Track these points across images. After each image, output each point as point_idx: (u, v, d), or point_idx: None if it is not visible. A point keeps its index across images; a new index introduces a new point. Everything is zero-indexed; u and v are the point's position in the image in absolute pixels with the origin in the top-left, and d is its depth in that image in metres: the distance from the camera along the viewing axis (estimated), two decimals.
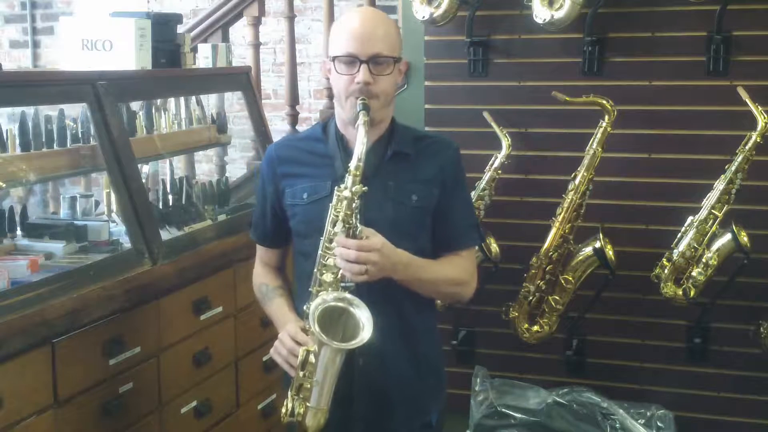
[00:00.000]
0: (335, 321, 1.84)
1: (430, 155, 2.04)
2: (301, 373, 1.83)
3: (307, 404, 1.84)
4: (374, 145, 1.95)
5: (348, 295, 1.84)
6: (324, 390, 1.84)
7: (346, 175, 1.86)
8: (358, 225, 1.84)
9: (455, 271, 2.05)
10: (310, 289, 1.90)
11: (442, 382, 2.18)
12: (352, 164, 1.85)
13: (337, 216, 1.85)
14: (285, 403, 1.90)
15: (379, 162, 1.98)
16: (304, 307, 1.90)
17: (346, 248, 1.81)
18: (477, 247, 2.49)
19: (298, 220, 2.04)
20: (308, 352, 1.82)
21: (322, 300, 1.83)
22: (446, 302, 2.76)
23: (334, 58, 1.94)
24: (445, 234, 2.05)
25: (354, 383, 1.97)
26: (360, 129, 1.86)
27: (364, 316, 1.80)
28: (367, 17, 1.96)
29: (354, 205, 1.84)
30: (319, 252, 1.88)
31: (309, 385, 1.83)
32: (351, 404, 1.99)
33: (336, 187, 1.88)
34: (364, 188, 1.85)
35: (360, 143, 1.85)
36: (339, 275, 1.85)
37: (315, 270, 1.89)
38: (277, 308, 2.08)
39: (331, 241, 1.86)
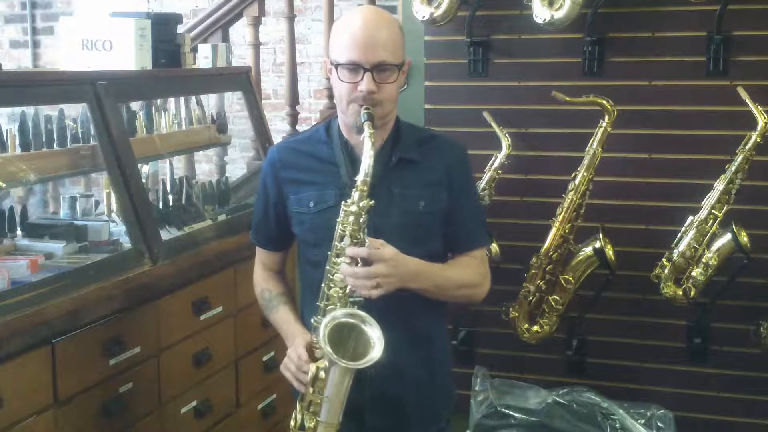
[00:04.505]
0: (346, 336, 1.80)
1: (436, 157, 1.99)
2: (311, 390, 1.80)
3: (318, 419, 1.82)
4: (379, 150, 1.89)
5: (360, 312, 1.79)
6: (334, 406, 1.80)
7: (353, 189, 1.81)
8: (366, 239, 1.80)
9: (467, 274, 2.00)
10: (318, 303, 1.86)
11: (452, 386, 2.15)
12: (359, 178, 1.80)
13: (344, 231, 1.81)
14: (294, 415, 1.88)
15: (383, 169, 1.92)
16: (312, 321, 1.86)
17: (353, 265, 1.77)
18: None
19: (306, 229, 1.99)
20: (318, 368, 1.79)
21: (332, 317, 1.78)
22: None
23: (336, 65, 1.88)
24: (455, 235, 2.01)
25: (366, 394, 1.92)
26: (366, 141, 1.80)
27: (375, 335, 1.76)
28: (370, 20, 1.87)
29: (361, 219, 1.80)
30: (327, 267, 1.85)
31: (319, 401, 1.80)
32: (363, 416, 1.95)
33: (343, 202, 1.83)
34: (371, 202, 1.80)
35: (367, 156, 1.80)
36: (347, 290, 1.81)
37: (323, 285, 1.86)
38: (283, 318, 2.04)
39: (338, 255, 1.82)
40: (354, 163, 1.92)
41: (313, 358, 1.83)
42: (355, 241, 1.80)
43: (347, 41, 1.86)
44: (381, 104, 1.87)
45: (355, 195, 1.80)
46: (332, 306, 1.83)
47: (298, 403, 1.88)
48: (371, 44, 1.84)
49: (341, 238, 1.82)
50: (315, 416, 1.82)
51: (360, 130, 1.85)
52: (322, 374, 1.78)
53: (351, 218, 1.80)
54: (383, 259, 1.78)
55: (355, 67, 1.85)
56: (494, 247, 2.95)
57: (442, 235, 2.00)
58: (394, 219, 1.92)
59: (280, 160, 2.04)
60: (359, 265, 1.78)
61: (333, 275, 1.83)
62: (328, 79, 1.99)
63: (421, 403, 2.01)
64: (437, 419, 2.09)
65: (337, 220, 1.83)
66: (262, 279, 2.15)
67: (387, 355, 1.75)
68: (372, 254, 1.77)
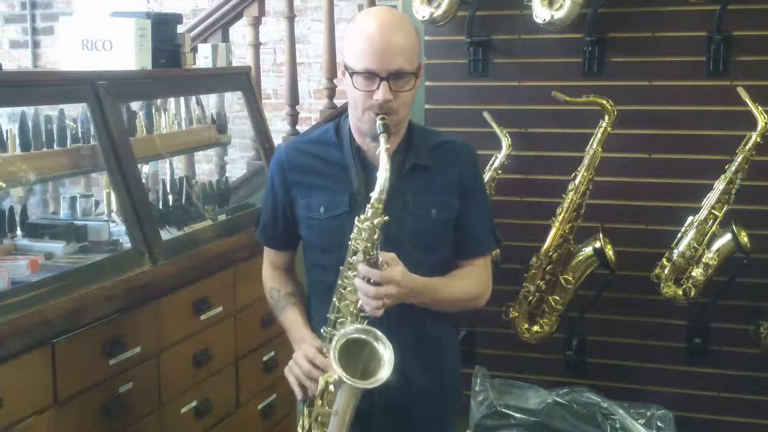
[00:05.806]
0: (356, 352, 1.77)
1: (448, 163, 1.96)
2: (319, 402, 1.79)
3: (326, 430, 1.80)
4: (392, 156, 1.83)
5: (372, 329, 1.77)
6: (343, 420, 1.77)
7: (367, 206, 1.78)
8: (379, 256, 1.77)
9: (470, 285, 2.00)
10: (328, 315, 1.85)
11: (460, 391, 2.15)
12: (374, 195, 1.76)
13: (357, 247, 1.78)
14: (300, 422, 1.87)
15: (396, 176, 1.87)
16: (322, 331, 1.85)
17: (366, 282, 1.76)
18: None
19: (315, 234, 1.97)
20: (327, 382, 1.77)
21: (342, 334, 1.76)
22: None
23: (351, 72, 1.82)
24: (463, 240, 1.99)
25: (374, 401, 1.90)
26: (382, 155, 1.76)
27: (386, 356, 1.73)
28: (385, 24, 1.81)
29: (375, 236, 1.77)
30: (338, 282, 1.83)
31: (327, 413, 1.78)
32: (370, 419, 1.93)
33: (356, 218, 1.79)
34: (385, 218, 1.77)
35: (383, 170, 1.76)
36: (358, 304, 1.80)
37: (334, 298, 1.84)
38: (291, 320, 2.02)
39: (350, 269, 1.80)
40: (365, 167, 1.90)
41: (322, 365, 1.81)
42: (367, 257, 1.77)
43: (362, 48, 1.80)
44: (396, 112, 1.83)
45: (369, 211, 1.77)
46: (342, 319, 1.82)
47: (305, 408, 1.87)
48: (387, 52, 1.78)
49: (354, 253, 1.79)
50: (323, 427, 1.80)
51: (374, 138, 1.81)
52: (331, 388, 1.76)
53: (364, 234, 1.77)
54: (392, 281, 1.76)
55: (370, 76, 1.80)
56: None
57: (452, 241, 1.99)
58: (407, 226, 1.90)
59: (288, 161, 2.00)
60: (371, 281, 1.77)
61: (345, 289, 1.81)
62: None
63: (429, 408, 2.00)
64: (444, 424, 2.07)
65: (350, 236, 1.80)
66: (271, 278, 2.12)
67: (396, 365, 1.73)
68: (382, 277, 1.76)
